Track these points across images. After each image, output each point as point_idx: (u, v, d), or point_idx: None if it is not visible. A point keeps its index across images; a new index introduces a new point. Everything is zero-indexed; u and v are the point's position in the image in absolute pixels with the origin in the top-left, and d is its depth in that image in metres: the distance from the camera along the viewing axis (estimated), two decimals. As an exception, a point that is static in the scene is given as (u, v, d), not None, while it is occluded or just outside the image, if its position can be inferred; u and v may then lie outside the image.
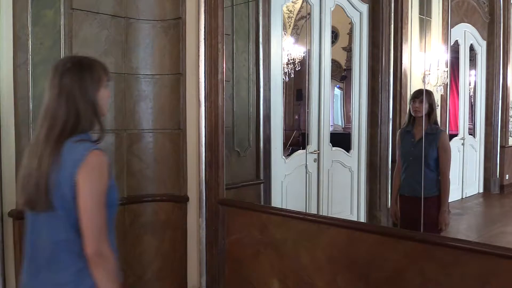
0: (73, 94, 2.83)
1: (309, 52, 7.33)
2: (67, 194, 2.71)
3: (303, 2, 7.94)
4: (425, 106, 5.47)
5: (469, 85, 7.73)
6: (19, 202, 3.16)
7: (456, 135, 7.51)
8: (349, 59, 7.84)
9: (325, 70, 7.34)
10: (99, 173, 2.79)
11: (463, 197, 7.19)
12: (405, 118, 5.90)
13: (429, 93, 5.64)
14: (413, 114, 5.62)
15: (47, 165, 2.75)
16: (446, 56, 6.70)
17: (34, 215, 2.87)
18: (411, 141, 5.66)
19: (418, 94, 5.61)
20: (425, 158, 5.38)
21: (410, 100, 5.70)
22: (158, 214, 5.92)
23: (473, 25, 7.60)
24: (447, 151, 5.57)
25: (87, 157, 2.72)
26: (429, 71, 6.33)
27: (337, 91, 8.56)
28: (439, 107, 6.83)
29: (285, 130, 7.40)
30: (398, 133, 6.05)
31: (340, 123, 8.68)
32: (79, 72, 2.87)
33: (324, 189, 6.88)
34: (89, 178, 2.72)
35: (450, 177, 6.79)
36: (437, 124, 5.75)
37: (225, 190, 5.71)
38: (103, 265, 2.77)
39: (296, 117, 8.48)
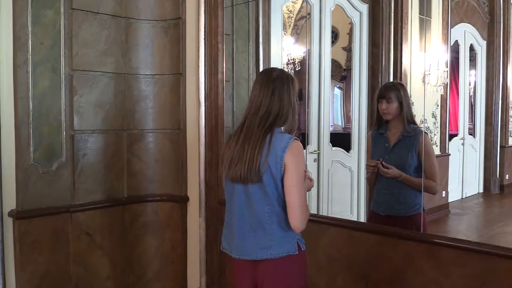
0: (282, 94, 3.61)
1: (309, 52, 7.32)
2: (276, 174, 3.49)
3: (303, 2, 7.93)
4: (394, 106, 4.83)
5: (469, 85, 7.70)
6: (227, 177, 3.71)
7: (456, 135, 7.49)
8: (349, 59, 7.81)
9: (325, 70, 7.32)
10: (301, 157, 3.59)
11: (463, 197, 7.17)
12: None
13: (397, 88, 4.92)
14: (382, 116, 4.94)
15: (260, 147, 3.50)
16: (446, 56, 6.67)
17: (244, 187, 3.59)
18: (385, 147, 4.94)
19: (385, 92, 4.92)
20: (404, 167, 4.75)
21: (377, 99, 4.98)
22: (158, 214, 5.94)
23: (473, 25, 7.58)
24: (431, 156, 4.77)
25: (291, 144, 3.49)
26: (429, 71, 6.30)
27: (337, 91, 8.54)
28: (439, 107, 6.81)
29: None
30: (368, 135, 5.44)
31: (340, 123, 8.66)
32: (286, 79, 3.67)
33: (324, 189, 6.87)
34: (294, 161, 3.49)
35: (450, 176, 6.78)
36: (415, 124, 4.93)
37: (225, 190, 5.72)
38: (304, 224, 3.56)
39: (296, 116, 8.47)
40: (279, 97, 3.60)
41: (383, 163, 4.72)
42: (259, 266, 3.65)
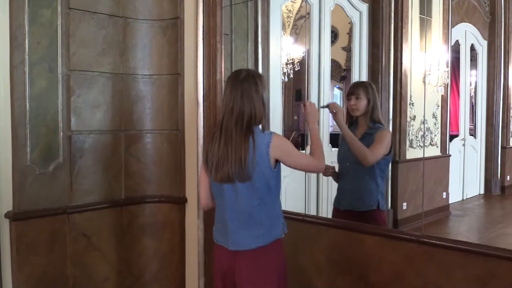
0: (251, 95, 3.83)
1: (308, 52, 7.32)
2: (265, 169, 3.80)
3: (302, 1, 7.93)
4: (362, 103, 5.02)
5: (470, 85, 7.71)
6: (215, 178, 3.92)
7: (456, 135, 7.50)
8: (348, 59, 7.82)
9: (325, 70, 7.33)
10: (285, 142, 3.94)
11: (464, 198, 7.18)
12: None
13: (366, 86, 5.11)
14: (350, 113, 5.14)
15: (245, 148, 3.75)
16: (447, 56, 6.69)
17: (232, 186, 3.85)
18: None
19: (354, 89, 5.13)
20: (362, 163, 4.87)
21: (346, 96, 5.20)
22: (156, 215, 5.93)
23: (474, 25, 7.59)
24: (380, 142, 4.83)
25: (273, 139, 3.81)
26: (430, 71, 6.31)
27: (337, 91, 8.53)
28: (440, 107, 6.82)
29: (284, 130, 7.38)
30: (340, 135, 5.31)
31: (340, 124, 8.68)
32: (253, 79, 3.89)
33: (324, 190, 6.87)
34: (282, 149, 3.87)
35: (451, 177, 6.78)
36: (381, 123, 5.05)
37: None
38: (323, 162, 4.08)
39: (295, 117, 8.46)
40: (248, 98, 3.83)
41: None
42: (245, 254, 3.92)
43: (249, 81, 3.86)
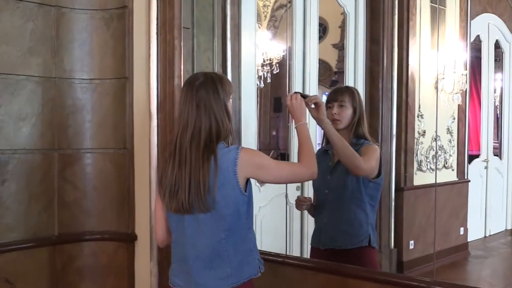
0: (210, 105, 3.78)
1: (290, 51, 7.35)
2: (232, 192, 3.74)
3: (282, -14, 7.99)
4: (347, 113, 4.96)
5: (494, 92, 7.73)
6: (169, 207, 3.89)
7: (477, 156, 7.52)
8: (341, 59, 7.84)
9: (311, 73, 7.35)
10: (257, 154, 4.00)
11: (486, 235, 7.20)
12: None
13: (352, 92, 5.07)
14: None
15: (201, 169, 3.69)
16: (465, 56, 6.73)
17: (194, 216, 3.79)
18: (328, 165, 5.06)
19: (337, 95, 5.06)
20: (346, 186, 4.88)
21: (326, 103, 5.03)
22: (97, 257, 5.91)
23: (499, 16, 7.59)
24: (369, 156, 4.73)
25: (240, 154, 3.74)
26: (443, 74, 6.35)
27: (327, 99, 8.62)
28: (456, 120, 6.86)
29: (259, 149, 7.41)
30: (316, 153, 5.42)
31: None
32: (212, 84, 3.84)
33: (310, 224, 6.87)
34: (255, 159, 3.85)
35: (470, 209, 6.81)
36: (367, 139, 4.98)
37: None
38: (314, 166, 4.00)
39: (274, 133, 8.48)
40: (206, 110, 3.79)
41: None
42: None
43: (206, 88, 3.81)
